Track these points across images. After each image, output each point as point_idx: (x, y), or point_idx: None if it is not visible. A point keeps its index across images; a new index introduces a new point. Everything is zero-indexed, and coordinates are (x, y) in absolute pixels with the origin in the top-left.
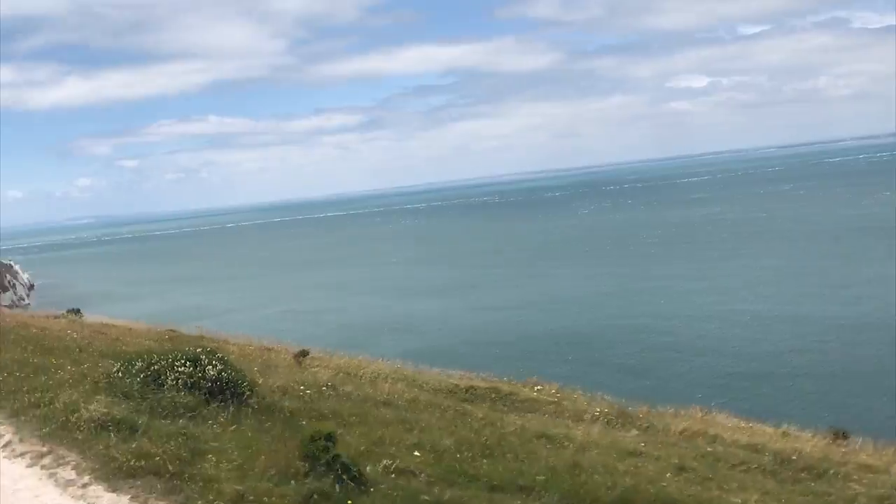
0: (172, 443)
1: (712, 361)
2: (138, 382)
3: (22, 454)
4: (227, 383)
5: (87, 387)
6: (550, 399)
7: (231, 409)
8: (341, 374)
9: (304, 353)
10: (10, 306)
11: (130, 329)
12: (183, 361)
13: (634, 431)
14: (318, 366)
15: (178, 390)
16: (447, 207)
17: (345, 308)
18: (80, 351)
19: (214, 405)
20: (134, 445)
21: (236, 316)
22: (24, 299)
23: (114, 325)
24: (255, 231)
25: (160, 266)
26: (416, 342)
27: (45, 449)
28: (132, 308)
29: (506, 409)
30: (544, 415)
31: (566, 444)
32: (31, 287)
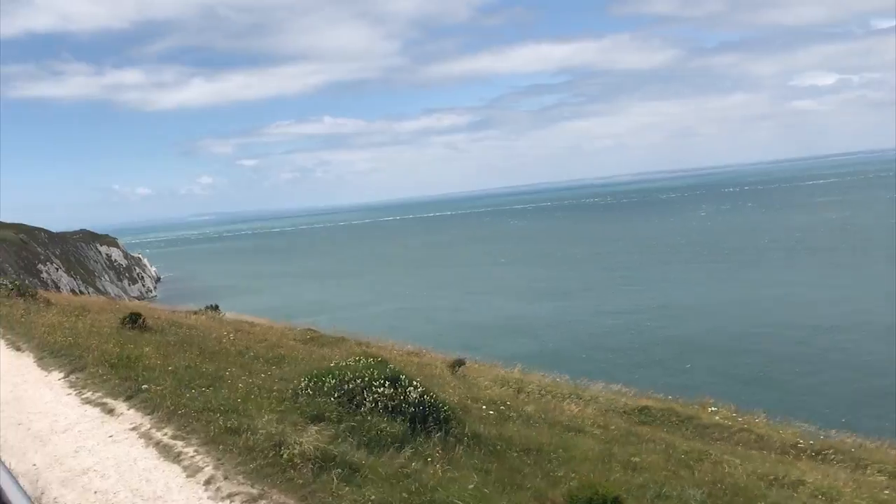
0: (401, 489)
1: (850, 377)
2: (333, 403)
3: (230, 496)
4: (430, 408)
5: (274, 403)
6: (736, 424)
7: (436, 438)
8: (509, 389)
9: (459, 363)
10: (138, 297)
11: (271, 327)
12: (382, 381)
13: (881, 477)
14: (477, 377)
15: (378, 414)
16: (558, 208)
17: (457, 308)
18: (242, 355)
19: (420, 435)
20: (362, 492)
21: (351, 312)
22: (151, 291)
23: (253, 323)
24: (366, 229)
25: (277, 262)
26: (533, 345)
27: (255, 491)
28: (251, 301)
29: (693, 435)
30: (739, 445)
31: (819, 496)
32: (158, 279)
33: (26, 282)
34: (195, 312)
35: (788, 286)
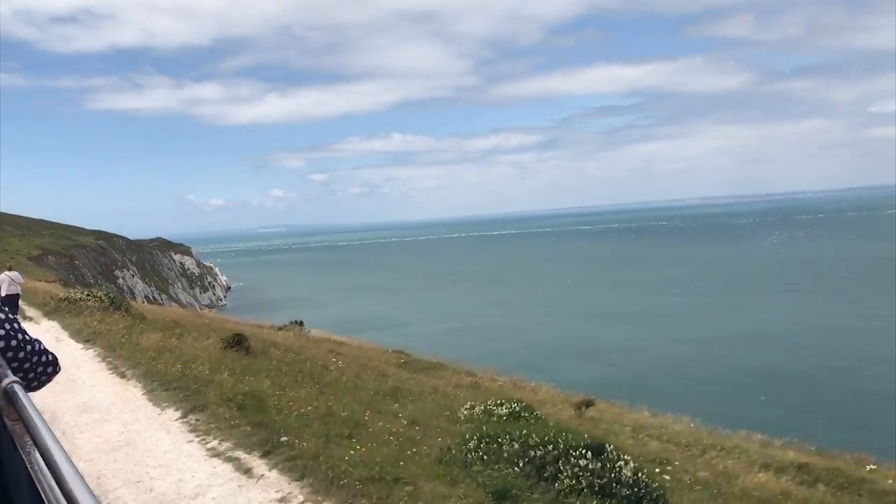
0: None
1: None
2: (518, 475)
3: None
4: (644, 488)
5: (438, 467)
6: None
7: None
8: (666, 443)
9: (587, 403)
10: (209, 305)
11: (360, 347)
12: (582, 450)
13: None
14: (611, 422)
15: (581, 495)
16: (625, 230)
17: (523, 328)
18: (357, 388)
19: None
20: None
21: (416, 328)
22: (221, 300)
23: (341, 342)
24: (431, 246)
25: (343, 275)
26: (604, 371)
27: None
28: (318, 314)
29: None
30: None
31: None
32: (228, 288)
33: (104, 287)
34: (280, 328)
35: (873, 319)
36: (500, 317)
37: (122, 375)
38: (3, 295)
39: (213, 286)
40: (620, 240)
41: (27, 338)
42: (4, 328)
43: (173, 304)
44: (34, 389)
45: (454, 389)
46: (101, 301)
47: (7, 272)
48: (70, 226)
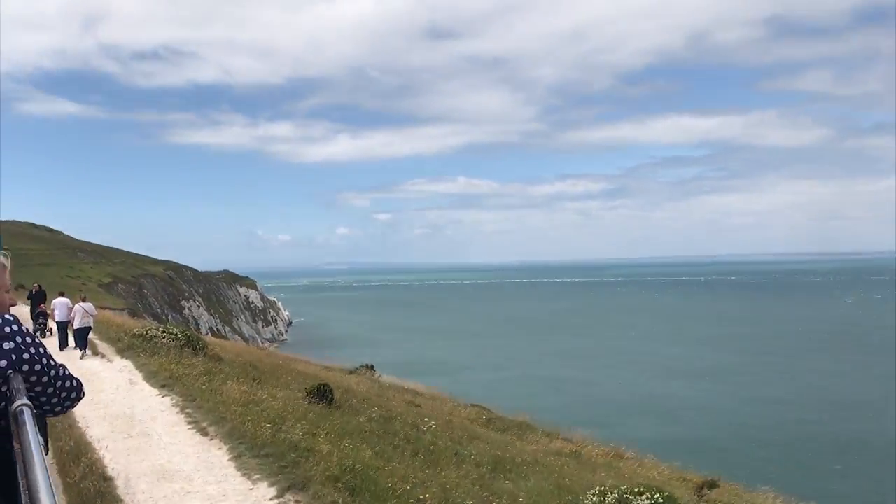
0: None
1: None
2: None
3: None
4: None
5: None
6: None
7: None
8: None
9: (710, 485)
10: (270, 339)
11: (435, 399)
12: None
13: None
14: None
15: None
16: (692, 283)
17: (586, 380)
18: (461, 458)
19: None
20: None
21: (474, 374)
22: (282, 334)
23: (417, 392)
24: (492, 290)
25: (403, 315)
26: (673, 431)
27: None
28: (376, 354)
29: None
30: None
31: None
32: (290, 323)
33: (171, 317)
34: (351, 372)
35: None
36: (563, 367)
37: (204, 432)
38: (75, 327)
39: (276, 320)
40: (688, 292)
41: (52, 363)
42: (30, 352)
43: (236, 336)
44: (56, 415)
45: (555, 459)
46: (177, 339)
47: (81, 303)
48: (141, 255)
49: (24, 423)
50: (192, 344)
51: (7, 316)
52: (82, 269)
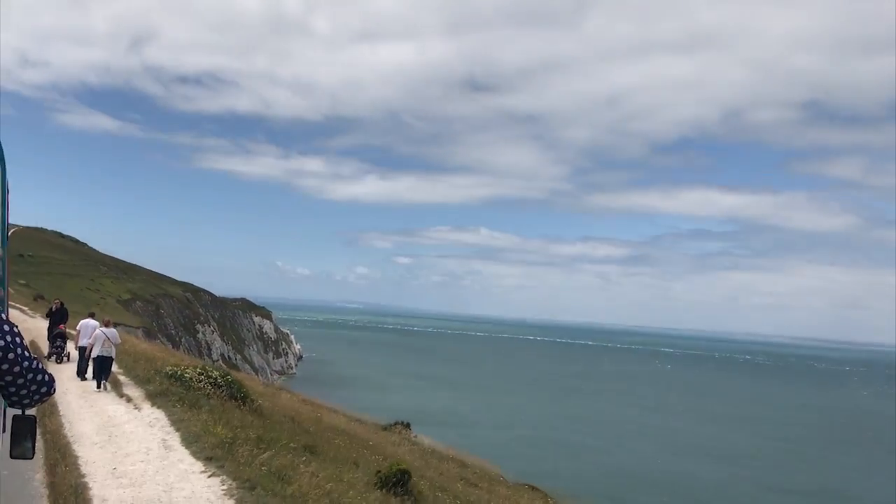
0: None
1: None
2: None
3: None
4: None
5: None
6: None
7: None
8: None
9: None
10: (279, 371)
11: (486, 472)
12: None
13: None
14: None
15: None
16: (708, 359)
17: (598, 448)
18: None
19: None
20: None
21: (482, 431)
22: (292, 368)
23: (463, 463)
24: (505, 343)
25: (415, 361)
26: None
27: None
28: (384, 399)
29: None
30: None
31: None
32: (300, 357)
33: (183, 339)
34: (385, 428)
35: None
36: (575, 432)
37: None
38: (93, 355)
39: (287, 353)
40: (703, 368)
41: (26, 354)
42: (5, 340)
43: (247, 365)
44: (24, 408)
45: None
46: (216, 384)
47: (103, 328)
48: (161, 274)
49: None
50: (235, 393)
51: None
52: (103, 282)
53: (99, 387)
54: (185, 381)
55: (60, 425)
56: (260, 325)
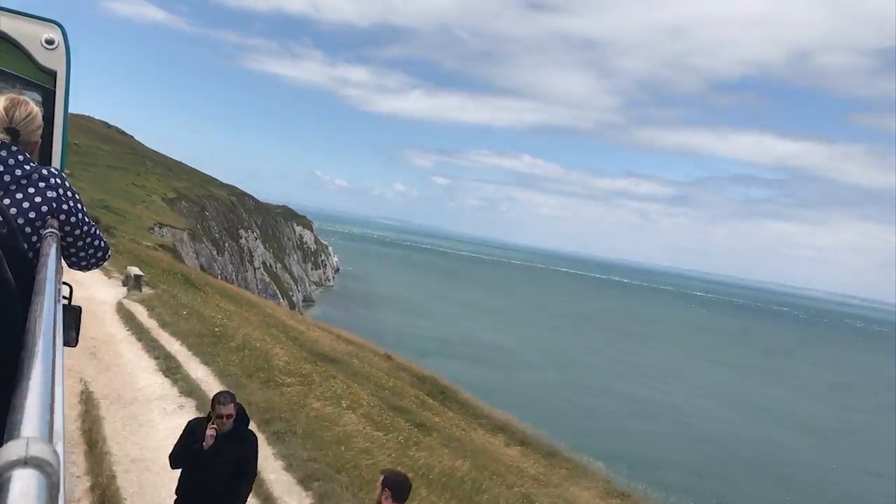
0: None
1: None
2: None
3: None
4: None
5: None
6: None
7: None
8: None
9: None
10: (317, 283)
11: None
12: None
13: None
14: None
15: None
16: (746, 308)
17: (672, 405)
18: None
19: None
20: None
21: (534, 375)
22: (329, 280)
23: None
24: (540, 274)
25: (450, 286)
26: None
27: None
28: (425, 326)
29: None
30: None
31: None
32: (337, 270)
33: (226, 244)
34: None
35: None
36: (641, 385)
37: None
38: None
39: (325, 265)
40: (741, 317)
41: (87, 219)
42: (69, 204)
43: (287, 275)
44: (81, 269)
45: None
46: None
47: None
48: (206, 175)
49: (48, 254)
50: None
51: (52, 168)
52: (148, 178)
53: None
54: None
55: None
56: (300, 235)
